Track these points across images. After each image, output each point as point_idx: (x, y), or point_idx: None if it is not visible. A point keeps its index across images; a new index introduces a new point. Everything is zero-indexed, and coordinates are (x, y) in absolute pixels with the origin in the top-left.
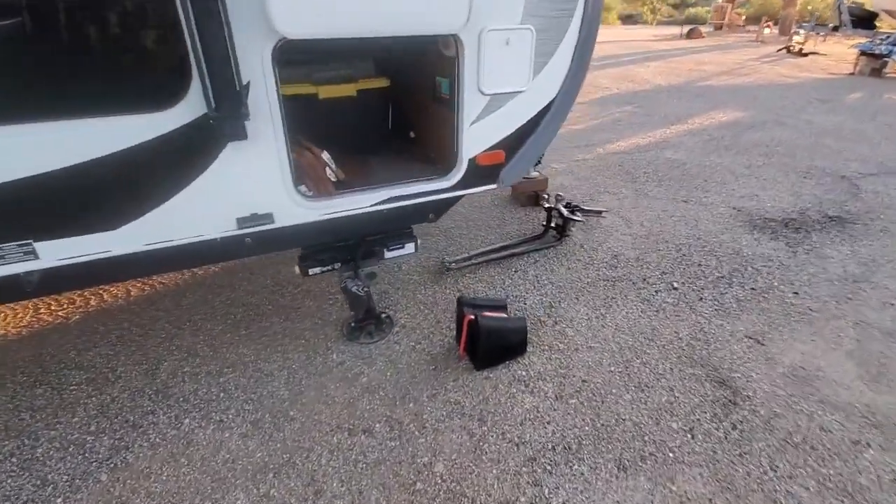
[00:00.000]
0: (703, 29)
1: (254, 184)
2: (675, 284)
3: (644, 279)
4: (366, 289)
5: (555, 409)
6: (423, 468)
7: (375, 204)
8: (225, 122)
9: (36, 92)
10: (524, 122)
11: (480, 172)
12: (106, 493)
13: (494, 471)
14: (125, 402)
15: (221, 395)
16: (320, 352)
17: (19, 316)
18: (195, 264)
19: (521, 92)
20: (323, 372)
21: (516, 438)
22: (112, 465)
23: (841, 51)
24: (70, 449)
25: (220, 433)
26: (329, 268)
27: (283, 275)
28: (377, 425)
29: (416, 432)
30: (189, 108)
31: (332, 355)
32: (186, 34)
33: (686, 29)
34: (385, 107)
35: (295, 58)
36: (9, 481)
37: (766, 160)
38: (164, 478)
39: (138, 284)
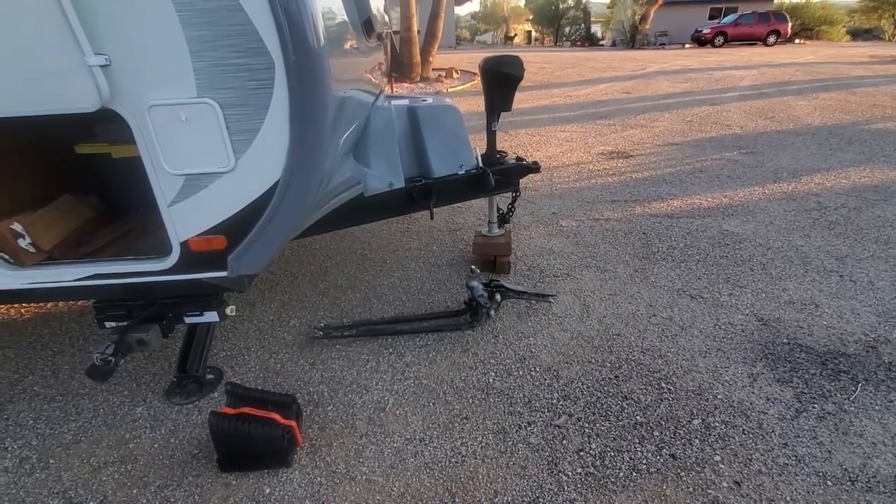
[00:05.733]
0: None
1: None
2: (560, 420)
3: (528, 401)
4: (110, 358)
5: None
6: None
7: (81, 279)
8: None
9: None
10: (244, 205)
11: (199, 258)
12: None
13: None
14: None
15: None
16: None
17: None
18: None
19: (225, 173)
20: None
21: None
22: None
23: None
24: None
25: None
26: (125, 322)
27: None
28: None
29: None
30: None
31: (135, 408)
32: None
33: None
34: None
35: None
36: None
37: (883, 251)
38: None
39: None
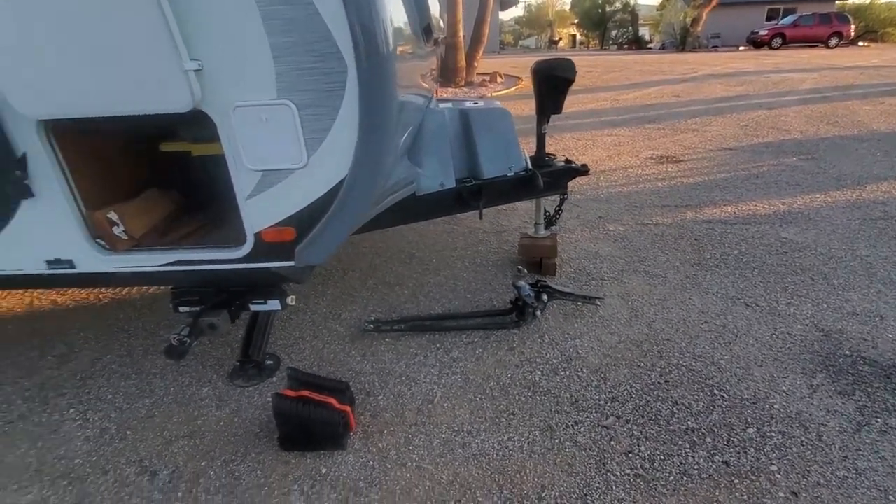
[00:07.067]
0: None
1: (51, 235)
2: (608, 421)
3: (574, 401)
4: (185, 339)
5: None
6: None
7: (165, 265)
8: (6, 184)
9: None
10: (312, 199)
11: (270, 248)
12: None
13: None
14: None
15: None
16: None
17: None
18: (29, 289)
19: (297, 169)
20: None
21: None
22: None
23: None
24: None
25: None
26: (198, 307)
27: None
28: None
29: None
30: None
31: (202, 388)
32: None
33: None
34: None
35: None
36: None
37: None
38: None
39: None
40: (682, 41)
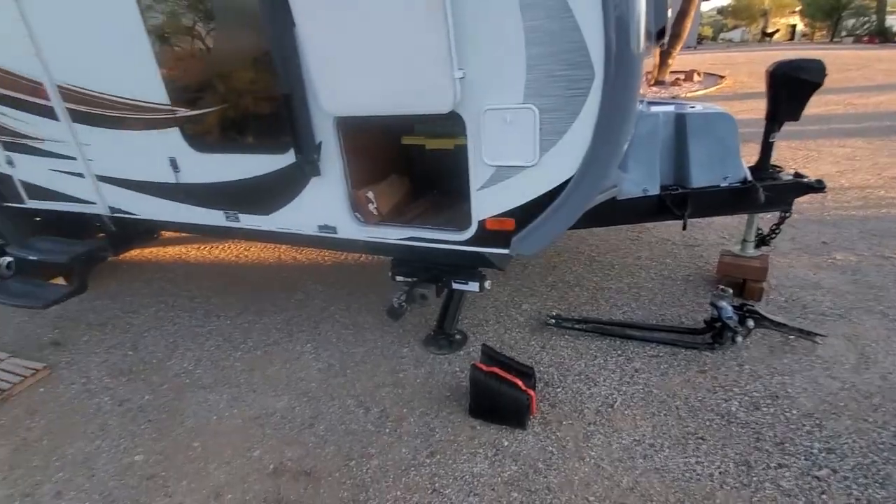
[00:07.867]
0: None
1: (325, 206)
2: (822, 472)
3: (779, 442)
4: (403, 304)
5: None
6: None
7: (401, 239)
8: (306, 164)
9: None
10: (536, 195)
11: (489, 235)
12: None
13: None
14: None
15: None
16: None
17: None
18: (301, 246)
19: (528, 167)
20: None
21: None
22: None
23: None
24: None
25: None
26: (412, 278)
27: None
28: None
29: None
30: (291, 155)
31: (402, 348)
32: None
33: None
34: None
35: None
36: None
37: None
38: None
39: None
40: None
